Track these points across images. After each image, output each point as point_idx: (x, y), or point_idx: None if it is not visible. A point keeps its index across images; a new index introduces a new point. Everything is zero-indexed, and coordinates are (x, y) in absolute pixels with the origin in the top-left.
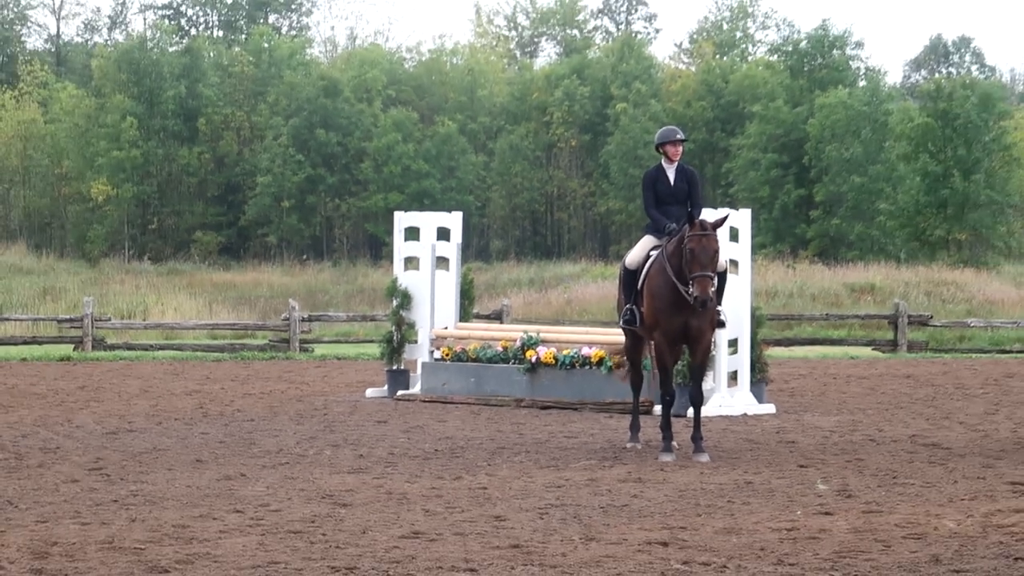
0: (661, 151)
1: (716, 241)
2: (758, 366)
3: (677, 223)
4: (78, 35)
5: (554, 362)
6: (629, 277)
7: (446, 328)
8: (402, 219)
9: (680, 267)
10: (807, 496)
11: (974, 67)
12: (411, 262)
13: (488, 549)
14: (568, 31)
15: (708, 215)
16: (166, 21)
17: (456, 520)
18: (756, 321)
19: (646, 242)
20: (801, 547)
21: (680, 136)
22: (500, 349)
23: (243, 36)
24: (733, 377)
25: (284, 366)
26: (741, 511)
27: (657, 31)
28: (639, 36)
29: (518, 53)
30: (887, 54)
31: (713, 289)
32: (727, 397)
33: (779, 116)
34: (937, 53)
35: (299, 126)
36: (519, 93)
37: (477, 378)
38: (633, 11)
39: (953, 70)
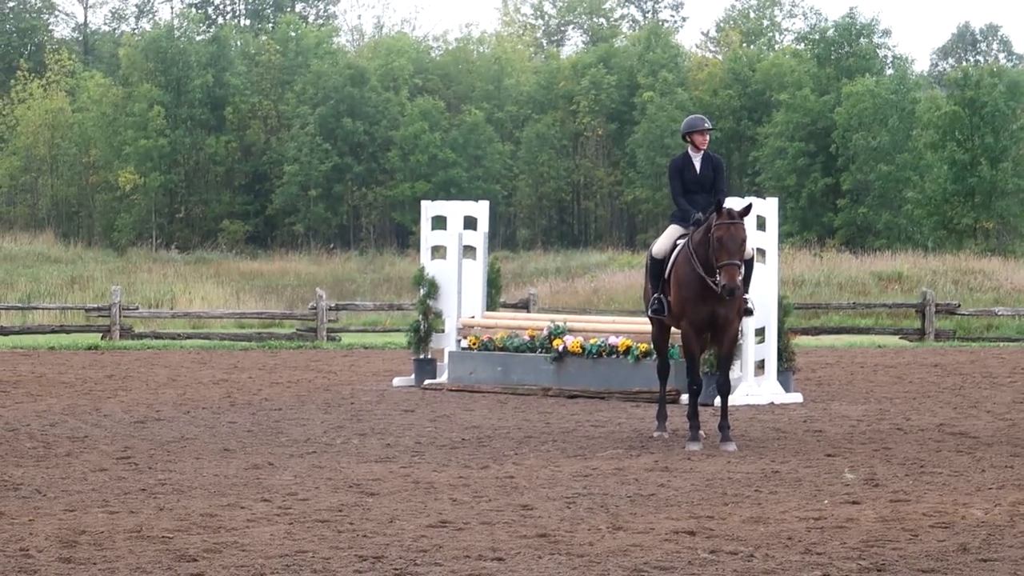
0: (688, 140)
1: (743, 229)
2: (785, 355)
3: (703, 211)
4: (105, 24)
5: (581, 351)
6: (656, 266)
7: (473, 317)
8: (429, 208)
9: (706, 257)
10: (834, 485)
11: (1002, 55)
12: (438, 251)
13: (515, 538)
14: (595, 20)
15: (733, 204)
16: (193, 10)
17: (483, 509)
18: (783, 310)
19: (672, 231)
20: (828, 536)
21: (707, 125)
22: (527, 338)
23: (270, 25)
24: (760, 366)
25: (311, 355)
26: (768, 500)
27: (684, 19)
28: (666, 24)
29: (545, 42)
30: (914, 42)
31: (740, 277)
32: (754, 386)
33: (806, 105)
34: (964, 41)
35: (326, 115)
36: (546, 82)
37: (504, 367)
38: None
39: (981, 58)
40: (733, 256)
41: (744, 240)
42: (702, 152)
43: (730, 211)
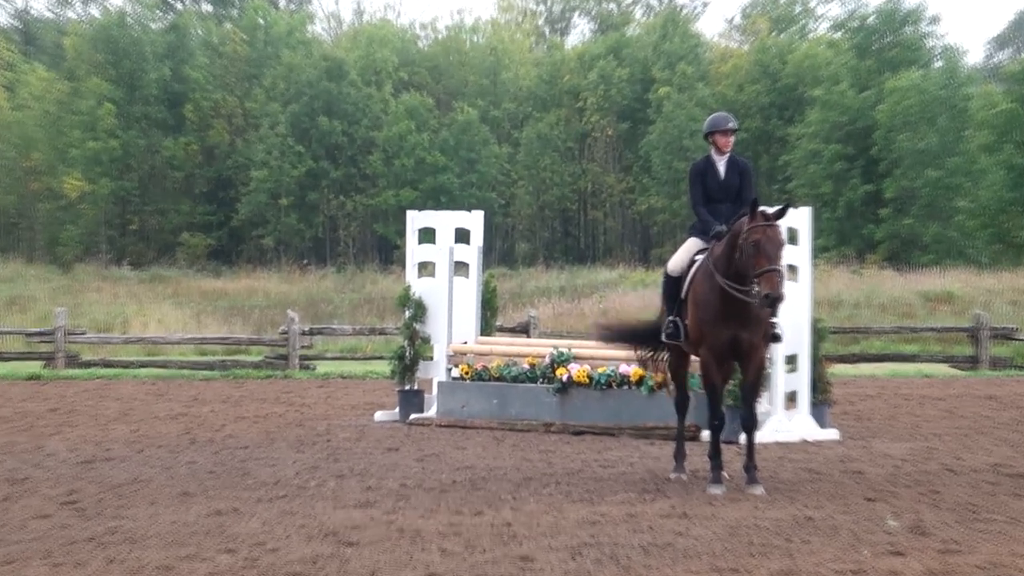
0: (710, 141)
1: (781, 233)
2: (820, 386)
3: (727, 223)
4: (49, 10)
5: (588, 381)
6: (672, 285)
7: (465, 343)
8: (416, 219)
9: (729, 269)
10: (875, 534)
11: None
12: (426, 268)
13: None
14: (604, 5)
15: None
16: None
17: (477, 561)
18: (817, 335)
19: (691, 245)
20: None
21: (732, 125)
22: (526, 367)
23: (235, 11)
24: (791, 398)
25: (282, 386)
26: (800, 551)
27: (705, 5)
28: (684, 11)
29: (547, 30)
30: (967, 31)
31: (784, 287)
32: (784, 421)
33: (843, 102)
34: (1023, 30)
35: (299, 113)
36: (548, 76)
37: (500, 399)
38: None
39: None
40: (773, 261)
41: (783, 245)
42: (727, 155)
43: (765, 212)
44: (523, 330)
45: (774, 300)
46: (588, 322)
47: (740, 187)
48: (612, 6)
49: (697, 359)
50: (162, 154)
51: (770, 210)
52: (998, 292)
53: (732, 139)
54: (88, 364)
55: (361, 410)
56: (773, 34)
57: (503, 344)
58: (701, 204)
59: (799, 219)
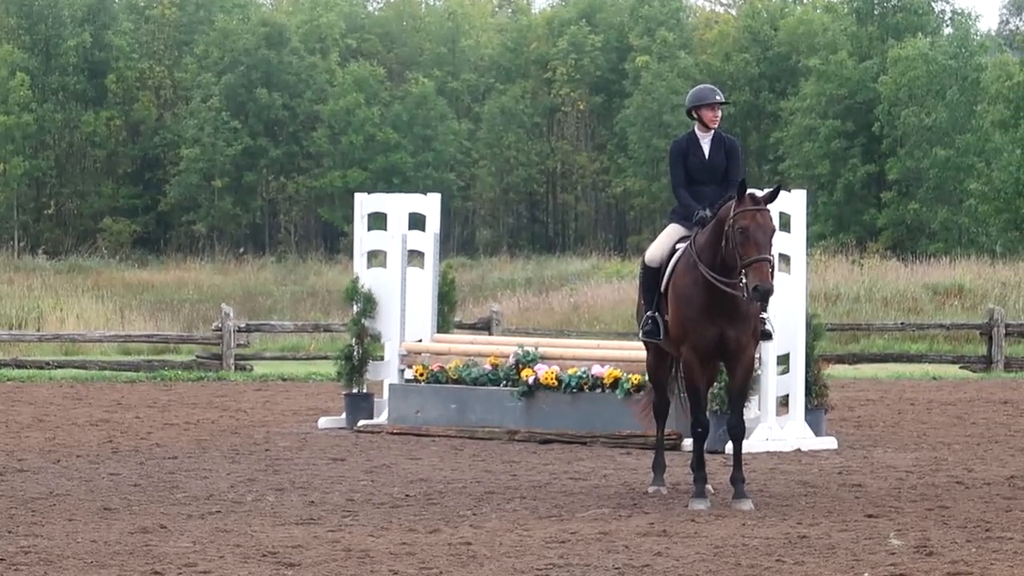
0: (694, 116)
1: (772, 219)
2: (815, 389)
3: (712, 208)
4: None
5: (557, 384)
6: (650, 277)
7: (420, 341)
8: (365, 203)
9: (715, 259)
10: (877, 554)
11: None
12: (376, 257)
13: None
14: None
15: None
16: None
17: None
18: (813, 332)
19: (671, 232)
20: None
21: (719, 98)
22: (488, 368)
23: None
24: (784, 403)
25: (215, 389)
26: (794, 573)
27: None
28: None
29: None
30: None
31: (774, 278)
32: (776, 428)
33: (842, 72)
34: None
35: (235, 85)
36: (513, 44)
37: (459, 404)
38: None
39: None
40: (763, 250)
41: (774, 232)
42: (712, 132)
43: (754, 196)
44: (484, 327)
45: (764, 293)
46: (557, 318)
47: (727, 168)
48: None
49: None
50: (82, 130)
51: (760, 193)
52: (1014, 285)
53: (719, 114)
54: None
55: (303, 416)
56: None
57: (462, 343)
58: (682, 186)
59: (792, 203)
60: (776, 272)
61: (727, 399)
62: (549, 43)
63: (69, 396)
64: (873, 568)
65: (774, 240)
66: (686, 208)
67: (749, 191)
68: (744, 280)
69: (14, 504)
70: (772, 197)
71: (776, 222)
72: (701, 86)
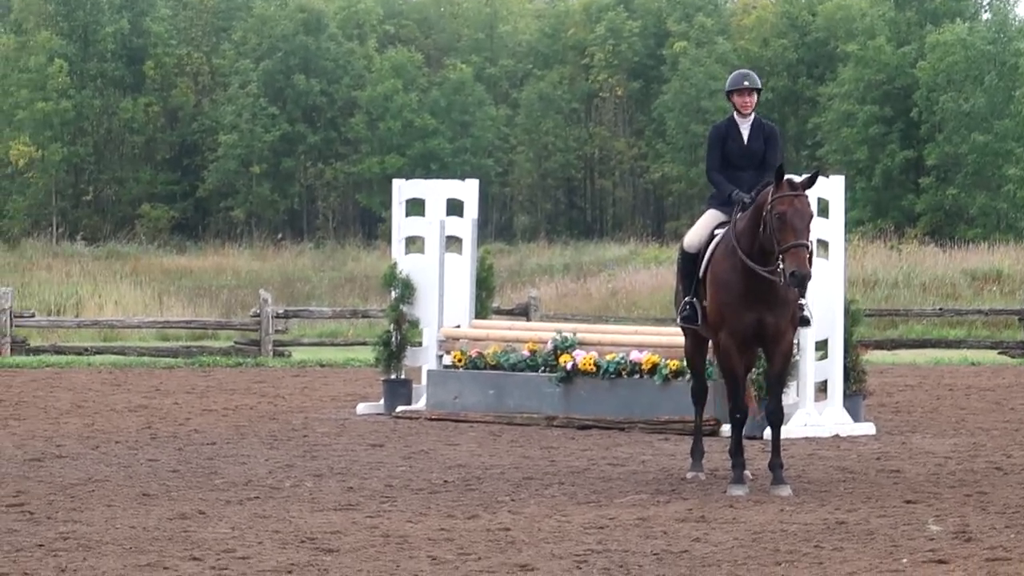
0: (732, 101)
1: (809, 204)
2: (853, 375)
3: (751, 191)
4: None
5: (595, 370)
6: (688, 263)
7: (458, 327)
8: (403, 188)
9: (753, 245)
10: (915, 540)
11: None
12: (414, 243)
13: None
14: None
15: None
16: None
17: (471, 570)
18: (851, 318)
19: (710, 218)
20: None
21: (748, 83)
22: (526, 353)
23: None
24: (822, 389)
25: (253, 375)
26: (832, 559)
27: None
28: None
29: None
30: None
31: (812, 264)
32: (814, 414)
33: (880, 58)
34: None
35: (272, 71)
36: (551, 29)
37: (497, 390)
38: None
39: None
40: (800, 236)
41: (812, 217)
42: (752, 118)
43: (791, 181)
44: (522, 312)
45: (801, 279)
46: (595, 304)
47: (765, 153)
48: None
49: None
50: (120, 116)
51: (798, 179)
52: None
53: (753, 100)
54: (37, 351)
55: (342, 402)
56: None
57: (500, 328)
58: (716, 169)
59: (831, 189)
60: (814, 258)
61: (765, 385)
62: (587, 29)
63: (108, 382)
64: (912, 554)
65: (812, 226)
66: (720, 189)
67: (787, 177)
68: (781, 266)
69: (53, 490)
70: (810, 183)
71: (814, 208)
72: (737, 72)
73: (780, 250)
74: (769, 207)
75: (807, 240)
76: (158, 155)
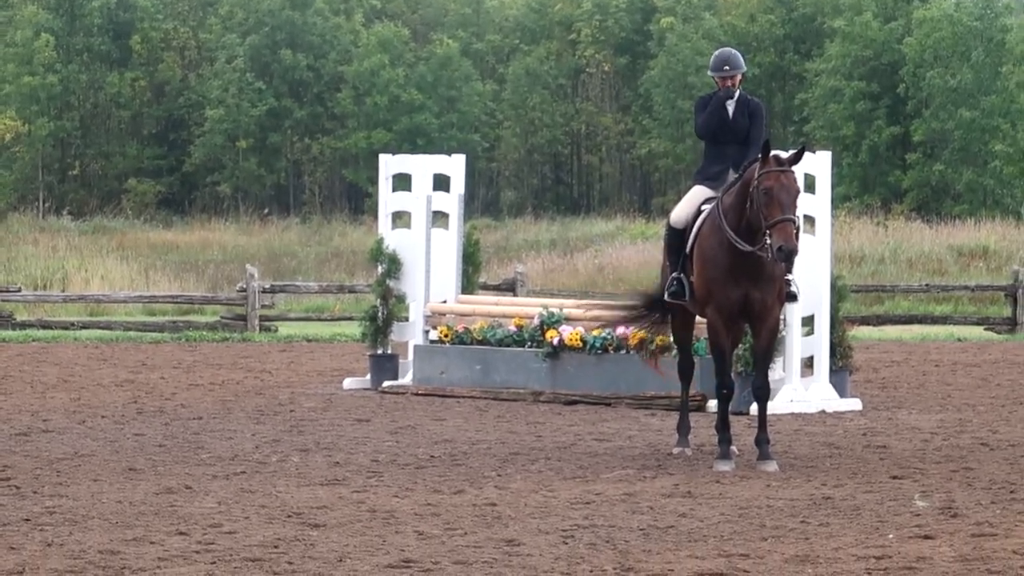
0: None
1: (796, 180)
2: (840, 350)
3: (734, 167)
4: None
5: (582, 345)
6: (675, 238)
7: (445, 302)
8: (389, 163)
9: (740, 221)
10: (901, 515)
11: None
12: (400, 218)
13: None
14: None
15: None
16: None
17: (457, 545)
18: (837, 294)
19: (697, 193)
20: None
21: (730, 68)
22: (513, 329)
23: None
24: (808, 364)
25: (240, 349)
26: (818, 534)
27: None
28: None
29: None
30: None
31: (799, 239)
32: (800, 390)
33: (867, 34)
34: None
35: (259, 45)
36: (538, 4)
37: (484, 365)
38: None
39: None
40: (787, 211)
41: (798, 193)
42: (737, 94)
43: (778, 157)
44: (509, 288)
45: (788, 253)
46: (582, 279)
47: (749, 129)
48: None
49: (703, 320)
50: (106, 91)
51: (784, 155)
52: None
53: (735, 80)
54: (23, 325)
55: (328, 377)
56: None
57: (487, 304)
58: (704, 129)
59: (817, 164)
60: (801, 233)
61: (752, 360)
62: (573, 4)
63: (94, 357)
64: (898, 529)
65: (798, 201)
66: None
67: (773, 152)
68: (768, 241)
69: (39, 464)
70: (797, 158)
71: (801, 183)
72: (720, 51)
73: (767, 225)
74: (756, 183)
75: (794, 215)
76: (144, 130)
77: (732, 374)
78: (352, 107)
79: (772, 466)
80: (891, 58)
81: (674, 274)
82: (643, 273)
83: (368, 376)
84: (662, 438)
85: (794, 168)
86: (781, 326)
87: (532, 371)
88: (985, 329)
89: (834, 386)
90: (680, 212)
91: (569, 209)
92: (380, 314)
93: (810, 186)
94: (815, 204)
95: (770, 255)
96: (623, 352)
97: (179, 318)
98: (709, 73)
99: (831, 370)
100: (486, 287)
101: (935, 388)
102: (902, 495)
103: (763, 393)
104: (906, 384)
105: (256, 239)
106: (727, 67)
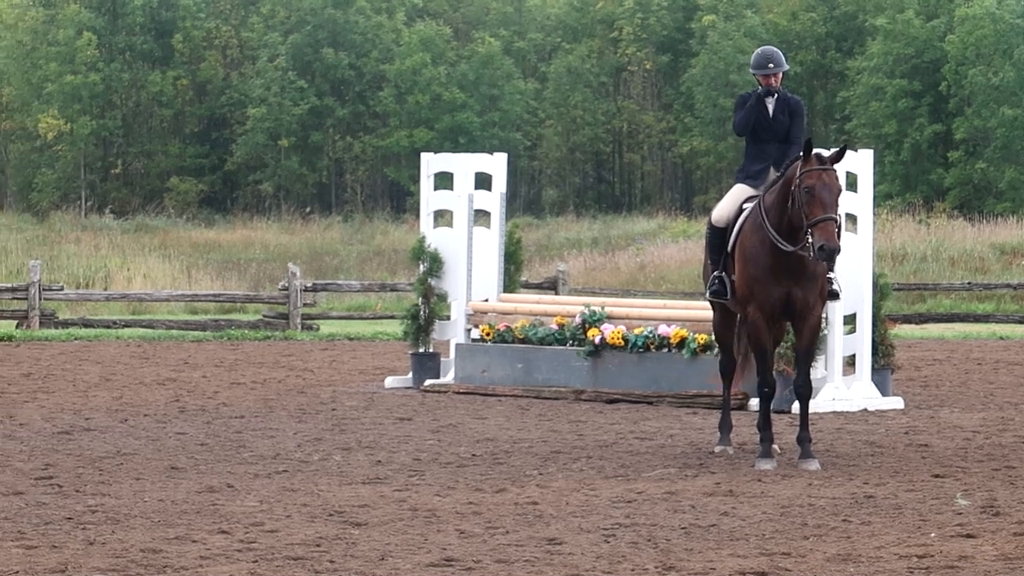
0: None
1: (838, 178)
2: (881, 349)
3: (774, 166)
4: None
5: (623, 344)
6: (717, 237)
7: (486, 300)
8: (431, 162)
9: (782, 220)
10: (943, 514)
11: None
12: (442, 217)
13: None
14: None
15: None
16: None
17: (499, 544)
18: (879, 292)
19: (738, 192)
20: None
21: (774, 66)
22: (555, 327)
23: None
24: (850, 363)
25: (282, 348)
26: (860, 533)
27: None
28: None
29: None
30: None
31: (841, 237)
32: (842, 388)
33: (909, 32)
34: None
35: (301, 44)
36: (579, 3)
37: (525, 364)
38: None
39: None
40: (829, 209)
41: (840, 191)
42: (776, 92)
43: (820, 156)
44: (551, 286)
45: (830, 252)
46: (624, 277)
47: (790, 127)
48: None
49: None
50: (148, 90)
51: (826, 153)
52: None
53: (778, 78)
54: (66, 324)
55: (370, 375)
56: None
57: (528, 302)
58: (744, 126)
59: (859, 163)
60: (843, 232)
61: (794, 359)
62: (615, 2)
63: (136, 355)
64: (940, 528)
65: (840, 200)
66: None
67: (815, 151)
68: (810, 239)
69: (82, 463)
70: (838, 157)
71: (843, 182)
72: (761, 51)
73: (808, 224)
74: (798, 181)
75: (835, 214)
76: (187, 128)
77: (774, 373)
78: (394, 106)
79: (814, 465)
80: (933, 56)
81: (715, 273)
82: (684, 272)
83: (410, 375)
84: (704, 436)
85: (836, 166)
86: (823, 324)
87: (574, 369)
88: None
89: (876, 385)
90: (721, 210)
91: (610, 207)
92: (422, 313)
93: (852, 184)
94: (857, 202)
95: (811, 254)
96: (665, 350)
97: (221, 317)
98: (751, 71)
99: (873, 368)
100: (528, 285)
101: (977, 387)
102: (944, 494)
103: (805, 391)
104: (948, 383)
105: (298, 238)
106: (771, 65)
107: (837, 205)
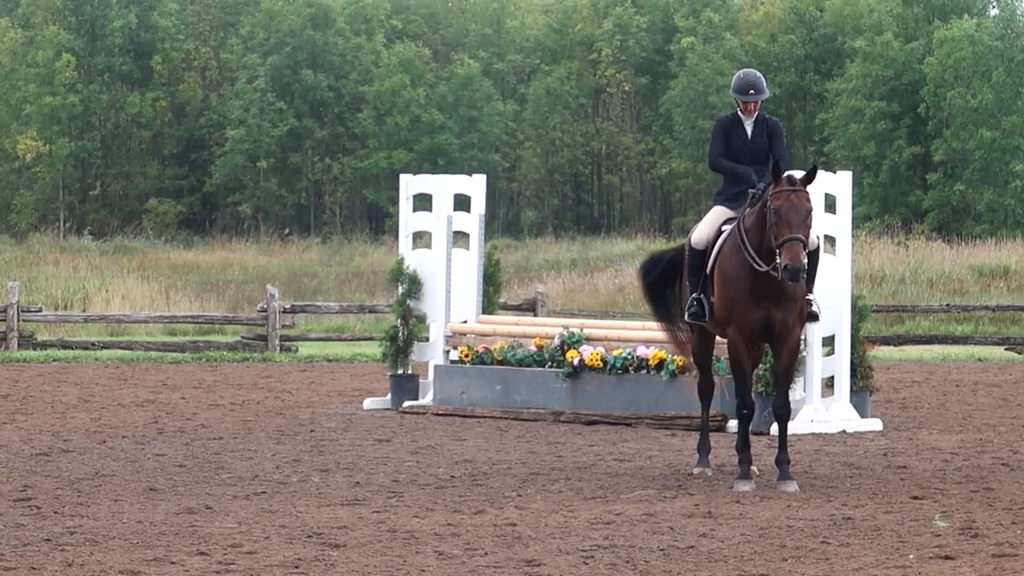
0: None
1: (808, 199)
2: (860, 370)
3: (754, 188)
4: None
5: (602, 365)
6: (696, 259)
7: (465, 322)
8: (410, 184)
9: (760, 241)
10: (922, 536)
11: None
12: (421, 238)
13: None
14: None
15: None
16: None
17: (477, 565)
18: (858, 313)
19: (717, 214)
20: None
21: (755, 93)
22: (533, 349)
23: None
24: (829, 385)
25: (260, 369)
26: (839, 555)
27: None
28: None
29: None
30: None
31: (806, 258)
32: (821, 410)
33: (888, 54)
34: None
35: (280, 66)
36: (558, 24)
37: (504, 385)
38: None
39: None
40: (796, 230)
41: (809, 212)
42: (755, 114)
43: (790, 177)
44: (530, 308)
45: (794, 272)
46: (602, 299)
47: (769, 148)
48: None
49: (724, 341)
50: (127, 111)
51: (798, 174)
52: None
53: (758, 104)
54: (44, 345)
55: (349, 397)
56: None
57: (507, 324)
58: (721, 155)
59: (838, 184)
60: (823, 252)
61: (772, 380)
62: (594, 24)
63: (115, 377)
64: (918, 550)
65: (809, 220)
66: (734, 172)
67: (787, 173)
68: (778, 260)
69: (60, 484)
70: (809, 178)
71: (816, 203)
72: (743, 75)
73: (777, 244)
74: (769, 202)
75: (803, 234)
76: (165, 150)
77: (753, 394)
78: (373, 127)
79: (792, 486)
80: (912, 78)
81: (694, 295)
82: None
83: (388, 396)
84: (682, 458)
85: (808, 187)
86: (801, 346)
87: (552, 391)
88: (1006, 349)
89: (855, 406)
90: (700, 233)
91: (589, 229)
92: (400, 334)
93: (831, 206)
94: (836, 224)
95: (779, 274)
96: (644, 372)
97: (200, 338)
98: (731, 94)
99: (852, 390)
100: (506, 307)
101: (956, 408)
102: (923, 515)
103: (783, 413)
104: (927, 404)
105: (277, 259)
106: (752, 91)
107: (806, 226)
